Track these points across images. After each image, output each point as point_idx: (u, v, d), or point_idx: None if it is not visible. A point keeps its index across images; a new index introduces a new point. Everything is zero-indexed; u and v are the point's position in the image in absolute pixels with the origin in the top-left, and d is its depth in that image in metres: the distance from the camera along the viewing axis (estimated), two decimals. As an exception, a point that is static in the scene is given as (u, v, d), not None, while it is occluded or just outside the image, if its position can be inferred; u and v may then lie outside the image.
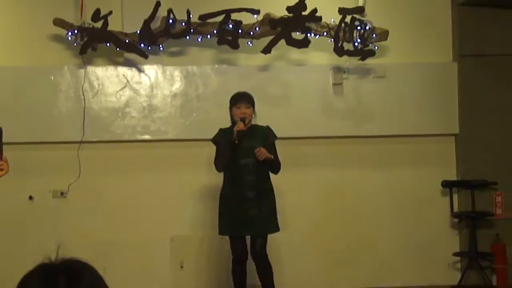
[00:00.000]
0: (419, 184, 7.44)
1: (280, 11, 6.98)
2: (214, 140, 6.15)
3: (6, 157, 3.35)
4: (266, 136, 6.14)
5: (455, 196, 7.45)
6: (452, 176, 7.48)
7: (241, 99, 6.08)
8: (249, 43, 7.08)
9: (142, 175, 7.19)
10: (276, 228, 6.16)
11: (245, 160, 5.99)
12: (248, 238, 6.09)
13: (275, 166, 6.11)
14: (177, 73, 7.25)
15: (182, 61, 7.27)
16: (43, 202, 7.10)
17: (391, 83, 7.41)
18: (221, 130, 6.15)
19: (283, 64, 7.34)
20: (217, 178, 7.07)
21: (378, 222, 7.40)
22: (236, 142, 5.88)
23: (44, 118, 7.05)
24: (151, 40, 6.96)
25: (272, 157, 5.99)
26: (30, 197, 7.08)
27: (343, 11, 7.05)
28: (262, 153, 5.90)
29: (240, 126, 5.94)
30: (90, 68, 7.14)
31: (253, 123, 6.13)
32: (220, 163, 6.08)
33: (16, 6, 7.19)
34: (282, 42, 7.02)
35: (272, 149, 6.09)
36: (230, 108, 6.11)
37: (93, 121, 7.10)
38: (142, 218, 7.14)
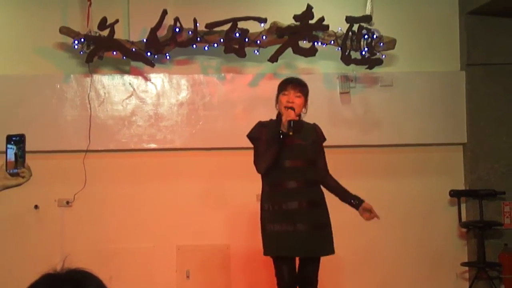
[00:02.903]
0: (427, 194, 7.41)
1: (287, 20, 6.96)
2: (251, 136, 5.14)
3: (29, 165, 3.34)
4: (314, 135, 5.19)
5: (463, 206, 7.41)
6: (460, 186, 7.44)
7: (291, 85, 5.06)
8: (256, 51, 7.06)
9: (148, 184, 7.16)
10: (331, 250, 5.09)
11: (290, 162, 4.99)
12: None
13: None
14: (183, 82, 7.23)
15: (188, 70, 7.26)
16: (48, 211, 7.07)
17: (398, 91, 7.39)
18: (260, 124, 5.16)
19: (290, 73, 7.29)
20: (224, 187, 7.07)
21: (386, 231, 7.35)
22: (291, 133, 4.84)
23: (50, 127, 7.03)
24: (157, 48, 6.94)
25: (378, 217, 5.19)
26: (36, 206, 7.06)
27: (350, 20, 7.03)
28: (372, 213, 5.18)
29: (291, 114, 4.90)
30: (96, 77, 7.13)
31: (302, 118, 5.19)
32: (262, 161, 4.99)
33: (22, 14, 7.18)
34: (289, 50, 7.00)
35: (321, 152, 5.24)
36: (277, 96, 5.13)
37: (99, 130, 7.08)
38: (148, 227, 7.11)
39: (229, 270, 7.12)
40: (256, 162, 5.05)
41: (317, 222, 5.02)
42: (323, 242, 5.03)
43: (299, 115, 5.09)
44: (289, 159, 4.98)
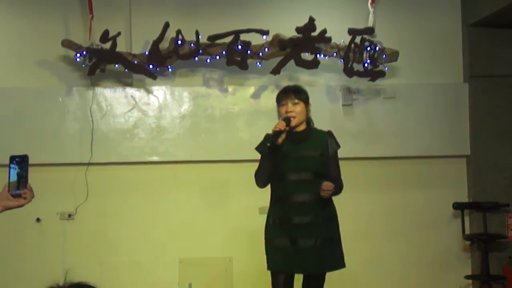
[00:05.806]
0: (430, 206, 7.37)
1: (289, 32, 6.95)
2: (258, 149, 4.94)
3: (31, 186, 3.32)
4: (326, 144, 4.92)
5: (466, 219, 7.37)
6: (464, 198, 7.41)
7: (287, 94, 4.91)
8: (258, 64, 7.05)
9: (150, 197, 7.13)
10: (339, 264, 4.91)
11: (294, 174, 4.80)
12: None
13: (337, 190, 4.89)
14: (185, 94, 7.21)
15: (190, 82, 7.25)
16: (50, 224, 7.05)
17: (401, 104, 7.37)
18: (267, 136, 4.95)
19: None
20: (226, 199, 7.05)
21: (389, 244, 7.32)
22: (268, 144, 4.69)
23: (52, 140, 7.02)
24: (159, 61, 6.93)
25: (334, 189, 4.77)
26: (38, 219, 7.03)
27: (353, 32, 7.02)
28: (328, 188, 4.71)
29: (280, 125, 4.71)
30: (98, 89, 7.12)
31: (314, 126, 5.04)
32: (259, 175, 4.84)
33: (25, 27, 7.17)
34: (292, 62, 6.99)
35: (334, 162, 4.97)
36: (278, 108, 4.99)
37: (101, 143, 7.06)
38: (150, 240, 7.09)
39: (231, 283, 7.08)
40: (255, 176, 4.89)
41: (325, 236, 4.80)
42: (326, 258, 4.81)
43: (309, 121, 4.97)
44: (293, 172, 4.78)
